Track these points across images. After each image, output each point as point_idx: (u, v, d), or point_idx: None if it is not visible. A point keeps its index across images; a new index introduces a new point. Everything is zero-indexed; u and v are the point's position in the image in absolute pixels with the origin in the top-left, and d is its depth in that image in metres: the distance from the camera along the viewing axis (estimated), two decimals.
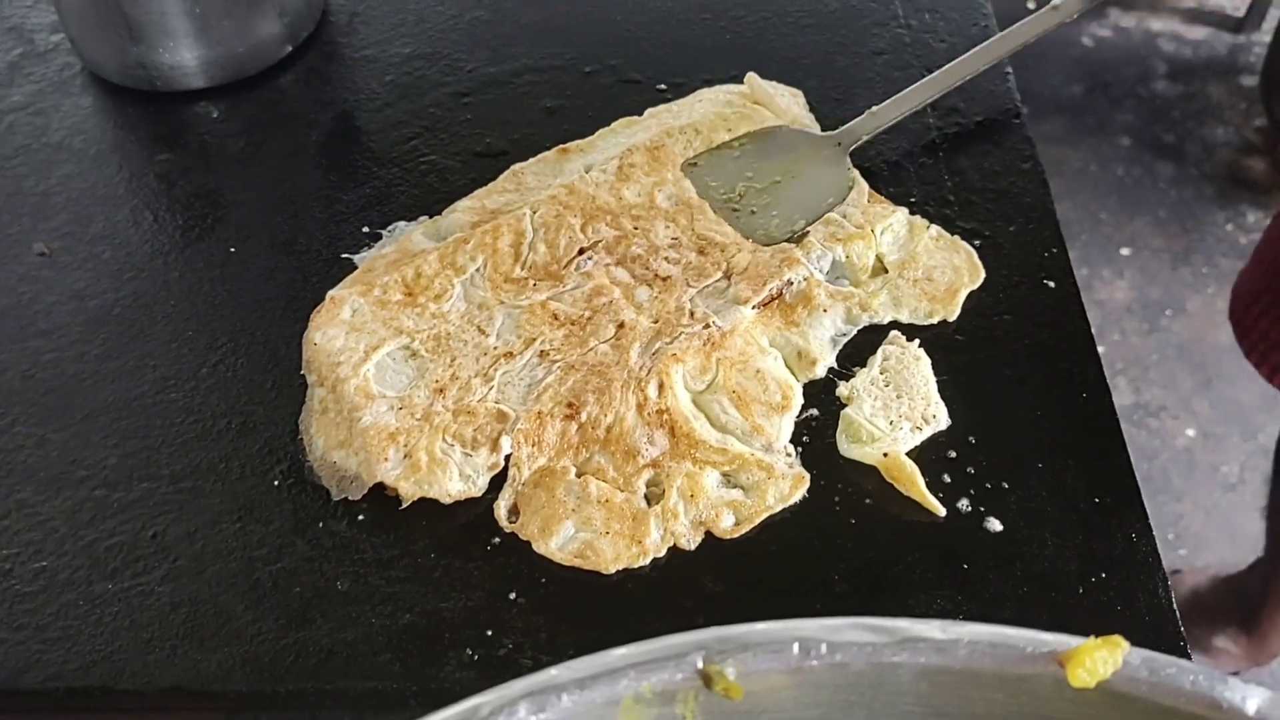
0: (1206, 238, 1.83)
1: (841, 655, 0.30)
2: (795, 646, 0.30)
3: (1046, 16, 0.63)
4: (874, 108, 0.63)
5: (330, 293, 0.55)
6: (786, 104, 0.64)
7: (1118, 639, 0.29)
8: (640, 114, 0.65)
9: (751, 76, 0.65)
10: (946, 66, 0.63)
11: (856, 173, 0.61)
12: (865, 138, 0.62)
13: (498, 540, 0.49)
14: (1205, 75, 2.07)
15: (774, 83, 0.66)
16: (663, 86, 0.68)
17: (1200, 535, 1.49)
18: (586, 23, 0.72)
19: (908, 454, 0.50)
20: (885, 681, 0.30)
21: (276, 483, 0.51)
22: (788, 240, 0.57)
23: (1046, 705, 0.30)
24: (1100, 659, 0.28)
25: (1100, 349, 0.54)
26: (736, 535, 0.49)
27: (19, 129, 0.67)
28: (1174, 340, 1.70)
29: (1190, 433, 1.60)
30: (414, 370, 0.52)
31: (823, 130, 0.63)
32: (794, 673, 0.30)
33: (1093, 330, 0.55)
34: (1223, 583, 1.36)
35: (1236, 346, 0.99)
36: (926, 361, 0.53)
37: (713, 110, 0.63)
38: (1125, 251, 1.82)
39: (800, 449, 0.51)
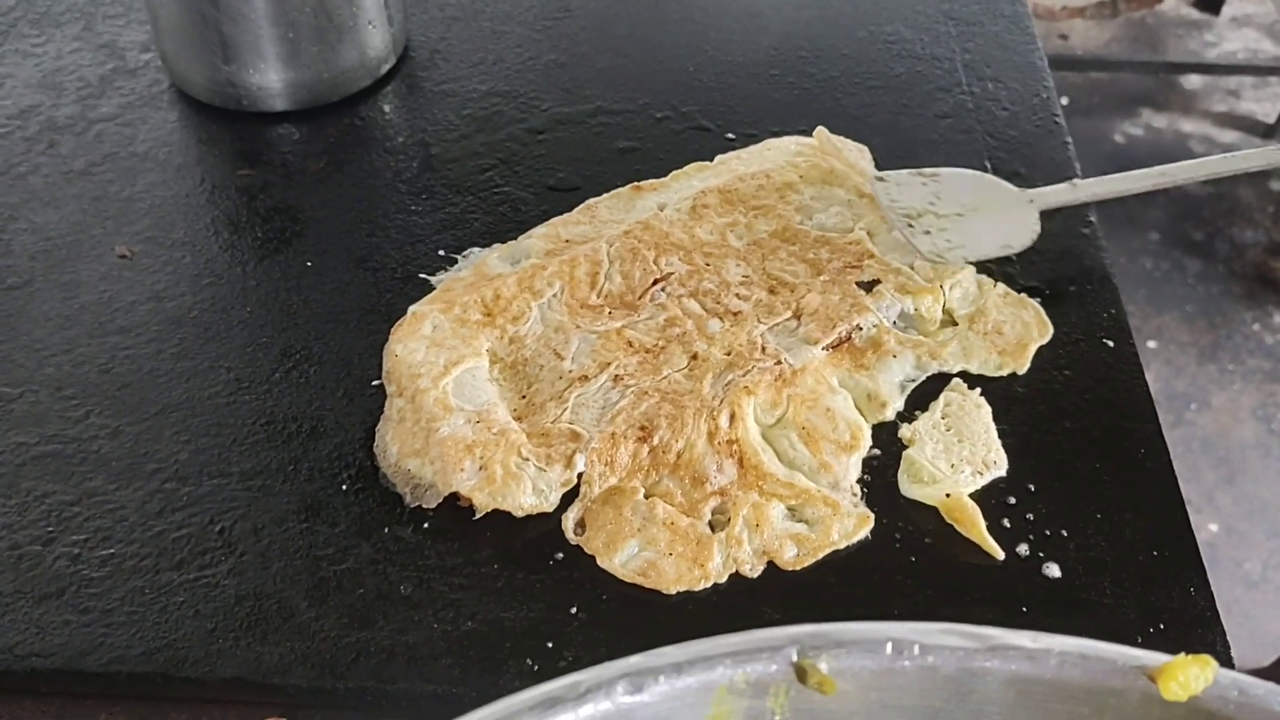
0: (1234, 335, 1.84)
1: (933, 658, 0.30)
2: (889, 646, 0.30)
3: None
4: (1075, 180, 0.62)
5: (412, 308, 0.56)
6: (854, 158, 0.66)
7: (1208, 658, 0.30)
8: (710, 159, 0.67)
9: (820, 129, 0.67)
10: (1159, 168, 0.63)
11: (1039, 228, 0.60)
12: (1058, 204, 0.61)
13: (561, 555, 0.50)
14: (1235, 177, 2.08)
15: (841, 137, 0.68)
16: (731, 135, 0.70)
17: None
18: (660, 71, 0.75)
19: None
20: (972, 689, 0.31)
21: (345, 487, 0.52)
22: (951, 263, 0.57)
23: None
24: (1193, 675, 0.29)
25: None
26: (798, 567, 0.49)
27: (107, 138, 0.69)
28: (1199, 434, 1.70)
29: (1213, 527, 1.59)
30: (491, 387, 0.53)
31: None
32: (885, 673, 0.30)
33: None
34: None
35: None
36: (987, 409, 0.54)
37: (782, 158, 0.65)
38: (1152, 344, 1.83)
39: (863, 487, 0.52)
